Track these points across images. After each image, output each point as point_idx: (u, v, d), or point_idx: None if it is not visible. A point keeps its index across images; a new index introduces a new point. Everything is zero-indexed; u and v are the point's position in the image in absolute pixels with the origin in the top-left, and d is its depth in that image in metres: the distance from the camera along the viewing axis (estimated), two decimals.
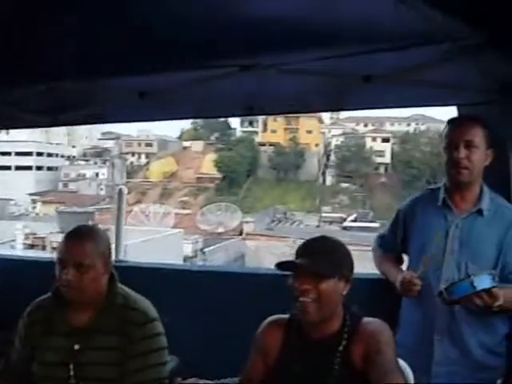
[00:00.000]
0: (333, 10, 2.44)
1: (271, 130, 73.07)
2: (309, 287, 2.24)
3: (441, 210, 2.98)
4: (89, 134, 77.55)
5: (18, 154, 65.84)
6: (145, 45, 2.77)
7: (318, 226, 49.78)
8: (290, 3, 2.44)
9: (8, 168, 64.30)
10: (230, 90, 3.38)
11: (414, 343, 2.88)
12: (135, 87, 3.47)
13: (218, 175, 70.71)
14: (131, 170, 75.69)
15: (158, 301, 2.66)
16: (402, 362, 2.37)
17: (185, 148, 78.74)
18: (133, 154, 78.24)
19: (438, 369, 2.86)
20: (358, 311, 2.36)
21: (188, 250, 28.91)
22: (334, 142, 73.02)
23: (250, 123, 74.06)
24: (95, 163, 74.37)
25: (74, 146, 77.60)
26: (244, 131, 75.97)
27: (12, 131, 46.07)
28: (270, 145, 72.27)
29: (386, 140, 71.16)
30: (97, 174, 70.49)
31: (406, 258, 3.25)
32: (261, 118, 65.99)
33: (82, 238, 2.55)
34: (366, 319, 2.33)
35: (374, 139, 71.27)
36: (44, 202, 56.36)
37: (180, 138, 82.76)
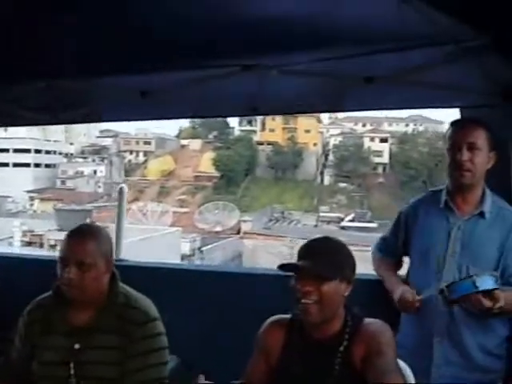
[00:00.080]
0: (335, 10, 2.45)
1: (269, 129, 72.99)
2: (311, 289, 2.24)
3: (443, 212, 2.99)
4: (87, 132, 77.46)
5: (16, 150, 65.74)
6: (145, 44, 2.77)
7: (315, 226, 49.77)
8: (291, 4, 2.44)
9: (6, 165, 64.15)
10: (231, 89, 3.39)
11: (413, 344, 2.89)
12: (136, 86, 3.47)
13: (216, 174, 70.64)
14: (129, 168, 75.64)
15: (159, 300, 2.67)
16: (402, 364, 2.38)
17: (183, 146, 78.67)
18: (131, 152, 78.16)
19: (437, 370, 2.87)
20: (359, 312, 2.36)
21: (186, 248, 28.93)
22: (333, 141, 72.98)
23: (249, 122, 74.02)
24: (93, 161, 74.25)
25: (71, 144, 77.46)
26: (242, 130, 75.93)
27: (10, 128, 45.96)
28: (268, 144, 72.22)
29: (384, 140, 71.17)
30: (95, 172, 70.44)
31: (406, 260, 3.25)
32: (259, 117, 65.95)
33: (84, 236, 2.55)
34: (367, 320, 2.34)
35: (372, 139, 71.26)
36: (42, 200, 56.29)
37: (178, 136, 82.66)
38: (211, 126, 76.19)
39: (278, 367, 2.38)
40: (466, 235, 2.91)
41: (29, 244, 27.74)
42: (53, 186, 65.69)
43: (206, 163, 72.36)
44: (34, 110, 4.01)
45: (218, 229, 37.73)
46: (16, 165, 65.30)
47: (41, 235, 28.45)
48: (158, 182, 71.22)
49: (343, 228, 45.53)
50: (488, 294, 2.63)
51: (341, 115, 70.48)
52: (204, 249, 30.36)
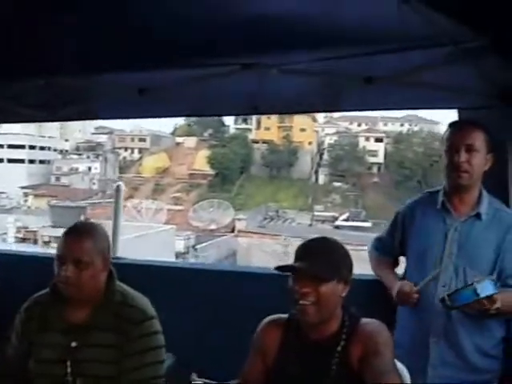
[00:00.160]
0: (336, 10, 2.45)
1: (265, 128, 73.00)
2: (308, 290, 2.24)
3: (440, 214, 2.99)
4: (82, 128, 77.26)
5: (11, 146, 65.56)
6: (145, 42, 2.77)
7: (310, 225, 49.81)
8: (292, 3, 2.44)
9: (0, 161, 64.06)
10: (231, 88, 3.39)
11: (410, 344, 2.89)
12: (135, 84, 3.47)
13: (211, 172, 70.63)
14: (124, 165, 75.54)
15: (154, 298, 2.67)
16: (399, 364, 2.38)
17: (178, 144, 78.57)
18: (126, 148, 78.04)
19: (433, 371, 2.87)
20: (356, 312, 2.37)
21: (180, 246, 28.93)
22: (328, 140, 73.03)
23: (244, 120, 74.00)
24: (88, 157, 74.12)
25: (66, 140, 77.30)
26: (237, 128, 75.91)
27: (4, 124, 45.87)
28: (264, 142, 72.24)
29: (379, 140, 71.26)
30: (89, 169, 70.30)
31: (403, 259, 3.26)
32: (255, 116, 65.93)
33: (81, 234, 2.54)
34: (365, 320, 2.34)
35: (367, 139, 71.34)
36: (36, 196, 56.18)
37: (173, 133, 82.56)
38: (206, 123, 76.09)
39: (274, 367, 2.38)
40: (463, 237, 2.92)
41: (23, 240, 27.74)
42: (47, 183, 65.56)
43: (200, 161, 72.32)
44: (32, 106, 4.01)
45: (213, 227, 37.71)
46: (10, 161, 65.16)
47: (35, 231, 28.45)
48: (153, 179, 71.13)
49: (337, 227, 45.60)
50: (488, 297, 2.64)
51: (336, 114, 70.48)
52: (198, 247, 30.36)
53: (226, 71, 3.14)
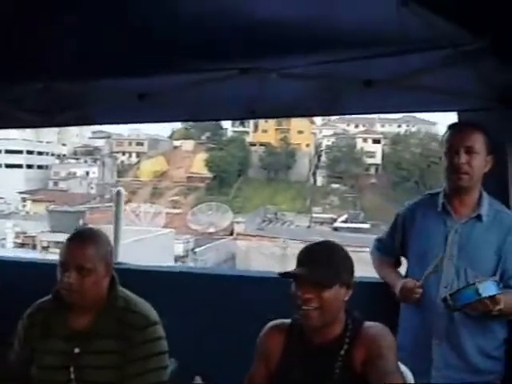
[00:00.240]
0: (335, 14, 2.46)
1: (262, 130, 72.99)
2: (311, 296, 2.24)
3: (440, 215, 3.00)
4: (79, 133, 77.20)
5: (8, 151, 65.52)
6: (145, 47, 2.78)
7: (308, 227, 49.78)
8: (291, 7, 2.44)
9: None
10: (229, 93, 3.38)
11: (413, 347, 2.89)
12: (134, 89, 3.47)
13: (209, 175, 70.61)
14: (122, 169, 75.51)
15: (157, 303, 2.66)
16: (402, 367, 2.39)
17: (175, 147, 78.58)
18: (123, 152, 78.00)
19: (436, 373, 2.88)
20: (359, 315, 2.37)
21: (179, 249, 28.93)
22: (325, 142, 73.05)
23: (241, 123, 73.89)
24: (85, 162, 74.05)
25: (64, 145, 77.23)
26: (235, 131, 75.92)
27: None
28: (261, 145, 72.26)
29: (376, 141, 71.30)
30: (87, 173, 70.29)
31: (404, 260, 3.27)
32: None
33: (83, 241, 2.54)
34: (368, 323, 2.34)
35: (364, 140, 71.37)
36: (34, 201, 56.17)
37: (171, 137, 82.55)
38: (204, 127, 76.06)
39: (278, 372, 2.38)
40: (464, 238, 2.92)
41: (21, 245, 27.74)
42: (45, 187, 65.51)
43: (198, 164, 72.30)
44: (31, 111, 4.00)
45: (211, 230, 37.71)
46: (8, 166, 65.08)
47: (33, 237, 28.46)
48: (151, 183, 71.10)
49: (336, 229, 45.57)
50: (490, 297, 2.65)
51: (333, 116, 70.58)
52: (197, 250, 30.35)
53: (224, 76, 3.15)
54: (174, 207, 56.32)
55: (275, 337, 2.42)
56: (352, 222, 50.30)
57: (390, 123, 73.79)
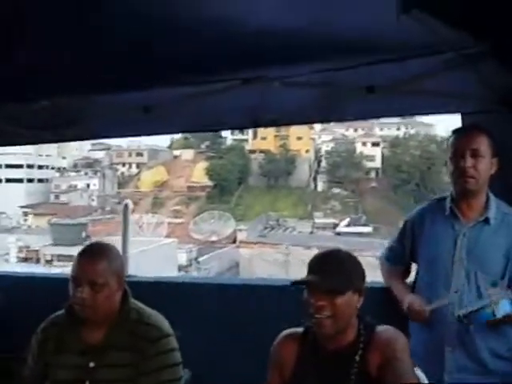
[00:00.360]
0: (336, 21, 2.47)
1: (261, 138, 73.13)
2: (324, 304, 2.25)
3: (448, 220, 3.00)
4: (79, 146, 77.39)
5: (8, 166, 65.66)
6: (146, 60, 2.79)
7: (311, 233, 49.78)
8: (292, 16, 2.45)
9: None
10: (232, 103, 3.39)
11: (424, 352, 2.87)
12: (138, 103, 3.47)
13: (210, 183, 70.71)
14: (122, 181, 75.65)
15: (167, 315, 2.68)
16: (417, 371, 2.39)
17: (175, 157, 78.73)
18: (123, 164, 78.18)
19: (450, 377, 2.87)
20: (371, 321, 2.38)
21: (182, 259, 28.92)
22: (325, 147, 73.17)
23: (241, 131, 74.09)
24: (86, 174, 74.25)
25: (64, 158, 77.42)
26: (234, 139, 76.10)
27: None
28: (261, 152, 72.41)
29: (375, 144, 71.43)
30: (88, 185, 70.42)
31: (414, 266, 3.27)
32: None
33: (95, 256, 2.55)
34: (380, 328, 2.35)
35: (364, 144, 71.52)
36: (35, 215, 56.20)
37: (170, 147, 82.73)
38: (203, 136, 76.18)
39: (292, 381, 2.38)
40: (472, 242, 2.92)
41: (25, 260, 27.72)
42: (46, 201, 65.62)
43: (198, 173, 72.41)
44: (33, 128, 4.00)
45: (214, 238, 37.72)
46: (9, 180, 65.23)
47: (37, 251, 28.44)
48: (152, 193, 71.15)
49: (339, 234, 45.64)
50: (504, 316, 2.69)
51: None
52: (201, 259, 30.35)
53: (227, 86, 3.16)
54: (176, 217, 56.34)
55: (289, 346, 2.42)
56: (354, 226, 50.35)
57: (389, 126, 73.92)
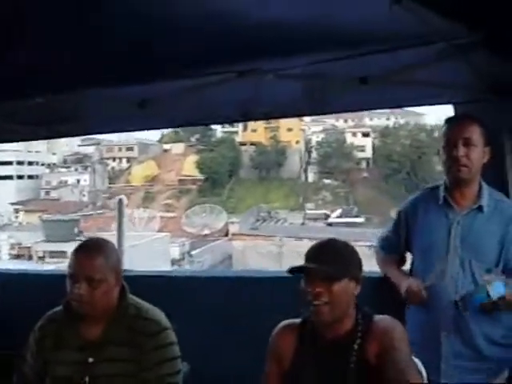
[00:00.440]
0: (328, 13, 2.47)
1: (251, 130, 72.91)
2: (321, 290, 2.27)
3: (442, 208, 3.03)
4: (69, 141, 76.75)
5: None
6: (142, 54, 2.78)
7: (302, 224, 49.84)
8: (285, 9, 2.46)
9: None
10: (227, 96, 3.39)
11: (421, 339, 2.90)
12: (132, 97, 3.47)
13: (200, 176, 70.59)
14: (113, 175, 75.34)
15: (165, 309, 2.69)
16: (415, 359, 2.41)
17: (165, 151, 78.46)
18: (114, 158, 77.84)
19: (446, 363, 2.91)
20: (368, 310, 2.40)
21: (175, 253, 28.95)
22: (315, 138, 73.14)
23: (231, 123, 73.96)
24: (76, 170, 73.95)
25: (54, 154, 77.02)
26: (224, 132, 75.86)
27: None
28: (251, 144, 72.27)
29: (366, 135, 71.45)
30: (78, 181, 70.12)
31: (409, 255, 3.30)
32: None
33: (91, 252, 2.55)
34: (378, 317, 2.37)
35: (354, 134, 71.49)
36: (26, 211, 55.98)
37: (160, 140, 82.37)
38: (193, 129, 75.70)
39: (291, 370, 2.40)
40: (466, 230, 2.95)
41: (17, 257, 27.66)
42: (37, 197, 65.32)
43: (189, 166, 72.25)
44: (27, 124, 3.99)
45: (206, 232, 37.72)
46: None
47: (29, 247, 28.37)
48: (143, 187, 70.96)
49: (330, 224, 45.71)
50: (500, 298, 2.71)
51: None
52: (193, 253, 30.38)
53: (221, 79, 3.16)
54: (168, 211, 56.28)
55: (287, 336, 2.44)
56: (346, 217, 50.47)
57: (379, 116, 73.88)
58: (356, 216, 52.34)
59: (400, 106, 3.99)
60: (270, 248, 30.07)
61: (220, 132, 76.69)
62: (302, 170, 71.19)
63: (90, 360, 2.54)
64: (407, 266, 3.28)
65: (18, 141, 4.80)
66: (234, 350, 3.67)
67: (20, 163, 68.23)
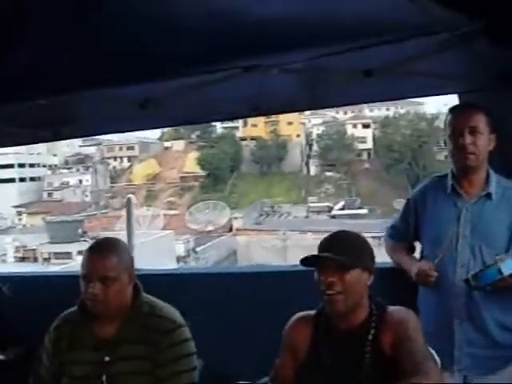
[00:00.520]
0: (331, 6, 2.47)
1: (252, 124, 72.82)
2: (334, 280, 2.29)
3: (450, 197, 3.04)
4: (69, 142, 76.69)
5: (0, 166, 65.28)
6: (145, 53, 2.78)
7: (306, 217, 49.80)
8: (286, 3, 2.47)
9: None
10: (232, 92, 3.39)
11: (434, 328, 2.90)
12: (136, 97, 3.47)
13: (202, 173, 70.60)
14: (114, 175, 75.36)
15: (178, 306, 2.71)
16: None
17: (166, 148, 78.40)
18: (115, 158, 77.85)
19: (459, 351, 2.93)
20: (382, 301, 2.42)
21: (180, 250, 28.97)
22: (315, 131, 73.08)
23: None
24: (78, 170, 73.99)
25: (55, 155, 76.99)
26: (225, 127, 75.70)
27: None
28: (252, 139, 72.20)
29: (366, 126, 71.38)
30: (80, 181, 70.18)
31: (418, 245, 3.31)
32: None
33: (104, 251, 2.57)
34: (391, 308, 2.39)
35: (354, 126, 71.44)
36: (30, 213, 55.99)
37: (160, 138, 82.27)
38: (193, 126, 75.74)
39: (307, 362, 2.42)
40: (475, 217, 2.96)
41: (22, 259, 27.66)
42: (39, 199, 65.37)
43: (190, 163, 72.22)
44: (29, 127, 3.99)
45: (210, 228, 37.73)
46: (1, 181, 64.84)
47: (34, 249, 28.36)
48: (145, 186, 70.94)
49: (334, 217, 45.68)
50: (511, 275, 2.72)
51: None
52: (198, 249, 30.42)
53: (226, 76, 3.16)
54: (171, 208, 56.25)
55: (302, 328, 2.46)
56: (349, 209, 50.45)
57: (379, 107, 73.61)
58: (359, 207, 52.30)
59: (404, 98, 3.99)
60: (275, 242, 30.11)
61: (220, 128, 76.54)
62: (303, 163, 71.15)
63: (107, 359, 2.56)
64: (417, 255, 3.29)
65: (18, 145, 4.80)
66: (247, 347, 3.68)
67: (21, 166, 68.23)
